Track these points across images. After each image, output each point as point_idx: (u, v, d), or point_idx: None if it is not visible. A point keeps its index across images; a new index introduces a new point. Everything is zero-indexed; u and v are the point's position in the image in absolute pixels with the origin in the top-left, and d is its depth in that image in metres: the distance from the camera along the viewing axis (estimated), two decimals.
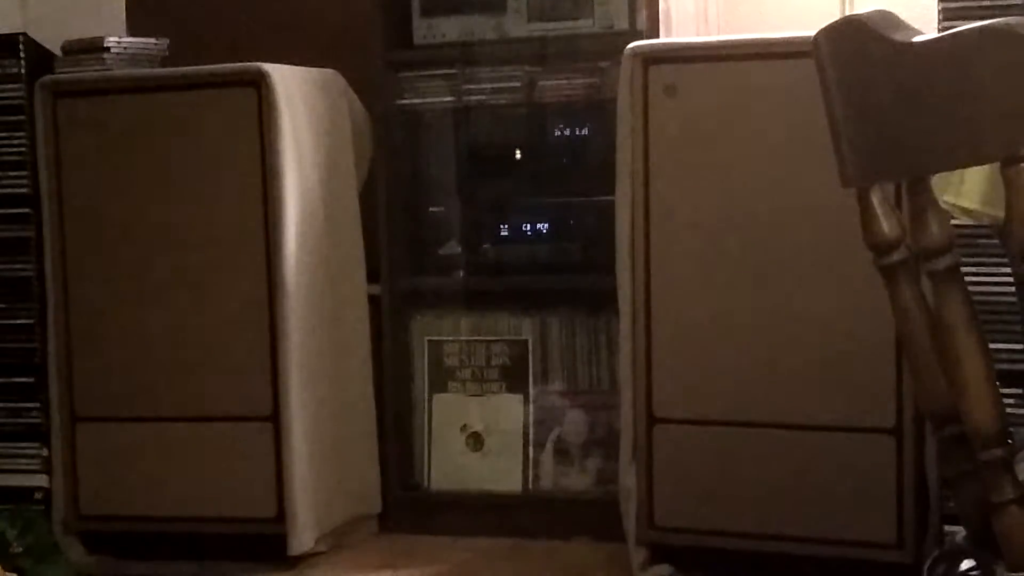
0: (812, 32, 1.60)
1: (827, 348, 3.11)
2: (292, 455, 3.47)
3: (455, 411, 3.80)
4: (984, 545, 1.60)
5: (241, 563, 3.50)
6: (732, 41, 3.28)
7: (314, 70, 3.65)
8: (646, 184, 3.25)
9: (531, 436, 3.74)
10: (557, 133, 3.74)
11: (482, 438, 3.77)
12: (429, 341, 3.82)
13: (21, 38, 3.71)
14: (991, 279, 2.87)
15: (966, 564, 1.64)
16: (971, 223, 2.53)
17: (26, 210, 3.68)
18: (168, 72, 3.70)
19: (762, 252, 3.16)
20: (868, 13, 1.57)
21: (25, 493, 3.71)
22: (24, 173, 3.68)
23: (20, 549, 3.25)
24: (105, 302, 3.60)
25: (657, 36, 3.41)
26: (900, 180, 1.63)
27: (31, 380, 3.71)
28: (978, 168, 2.10)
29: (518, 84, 3.69)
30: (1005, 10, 2.90)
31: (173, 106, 3.56)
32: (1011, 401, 2.91)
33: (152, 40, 3.80)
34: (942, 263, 1.54)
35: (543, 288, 3.73)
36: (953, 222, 1.67)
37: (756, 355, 3.17)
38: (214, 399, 3.54)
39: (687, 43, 3.35)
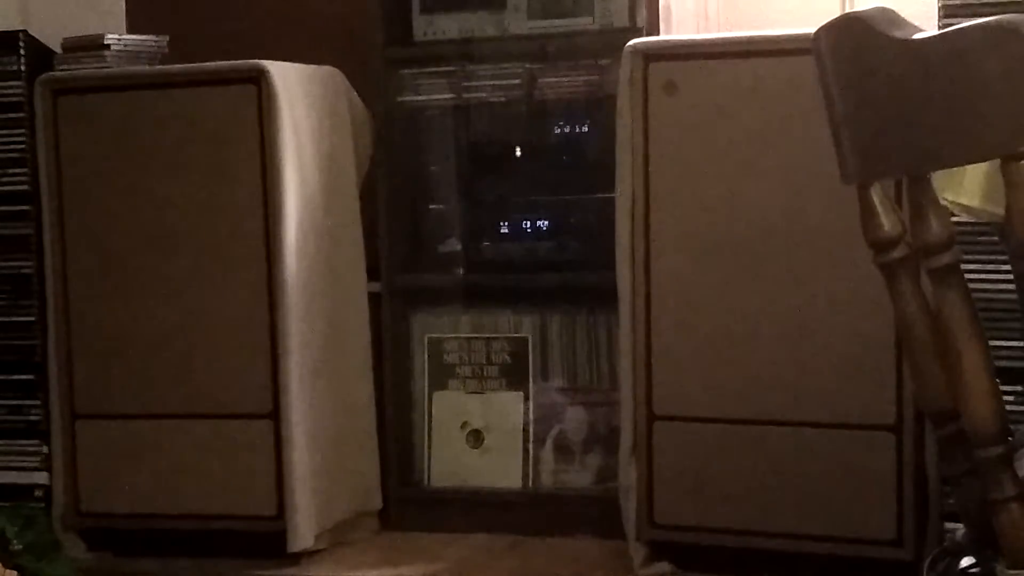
0: (812, 29, 1.60)
1: (827, 345, 3.11)
2: (292, 452, 3.47)
3: (455, 408, 3.79)
4: (984, 542, 1.60)
5: (241, 560, 3.50)
6: (732, 38, 3.28)
7: (314, 67, 3.65)
8: (646, 181, 3.25)
9: (531, 433, 3.74)
10: (557, 130, 3.74)
11: (482, 435, 3.77)
12: (429, 338, 3.82)
13: (21, 35, 3.71)
14: (991, 276, 2.87)
15: (966, 561, 1.64)
16: (971, 220, 2.54)
17: (26, 207, 3.68)
18: (168, 69, 3.70)
19: (762, 249, 3.16)
20: (869, 10, 1.57)
21: (25, 490, 3.71)
22: (24, 170, 3.68)
23: (20, 546, 3.24)
24: (105, 299, 3.60)
25: (657, 33, 3.41)
26: (900, 177, 1.63)
27: (31, 377, 3.71)
28: (978, 165, 2.10)
29: (518, 81, 3.69)
30: (1005, 7, 2.90)
31: (173, 103, 3.56)
32: (1011, 399, 2.91)
33: (152, 37, 3.80)
34: (942, 260, 1.54)
35: (543, 285, 3.73)
36: (953, 219, 1.67)
37: (756, 352, 3.17)
38: (214, 396, 3.54)
39: (687, 40, 3.35)
